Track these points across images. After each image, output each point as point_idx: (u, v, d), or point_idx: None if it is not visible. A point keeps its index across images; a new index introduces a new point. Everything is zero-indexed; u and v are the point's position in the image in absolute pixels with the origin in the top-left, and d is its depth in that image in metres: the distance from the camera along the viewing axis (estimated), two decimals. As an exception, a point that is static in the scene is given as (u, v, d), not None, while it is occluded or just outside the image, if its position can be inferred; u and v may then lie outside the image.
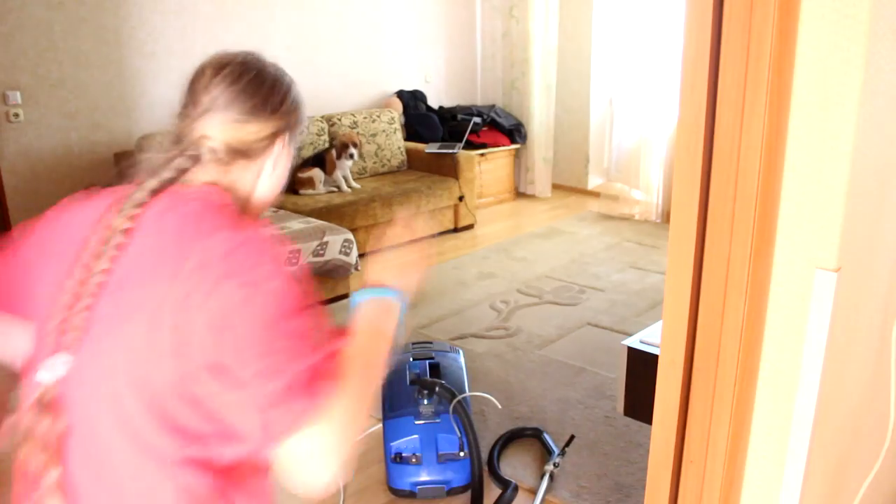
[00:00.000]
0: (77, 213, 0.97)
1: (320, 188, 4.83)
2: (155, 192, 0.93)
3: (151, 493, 0.89)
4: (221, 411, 0.86)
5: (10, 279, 1.00)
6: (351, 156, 4.83)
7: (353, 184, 5.00)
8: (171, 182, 0.94)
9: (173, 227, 0.90)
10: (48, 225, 0.98)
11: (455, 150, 5.38)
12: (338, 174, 4.88)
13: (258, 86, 0.98)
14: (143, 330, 0.86)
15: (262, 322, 0.84)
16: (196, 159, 0.96)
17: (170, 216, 0.91)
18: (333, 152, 4.86)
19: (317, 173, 4.80)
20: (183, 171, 0.95)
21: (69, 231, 0.95)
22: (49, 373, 0.88)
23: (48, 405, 0.88)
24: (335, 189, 4.89)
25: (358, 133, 5.30)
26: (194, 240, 0.87)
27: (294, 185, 4.80)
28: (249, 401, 0.83)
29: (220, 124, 0.96)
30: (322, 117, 5.21)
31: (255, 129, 0.98)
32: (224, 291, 0.84)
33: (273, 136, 1.00)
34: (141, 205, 0.91)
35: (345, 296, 4.10)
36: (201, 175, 0.97)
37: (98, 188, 1.00)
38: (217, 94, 0.96)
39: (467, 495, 2.37)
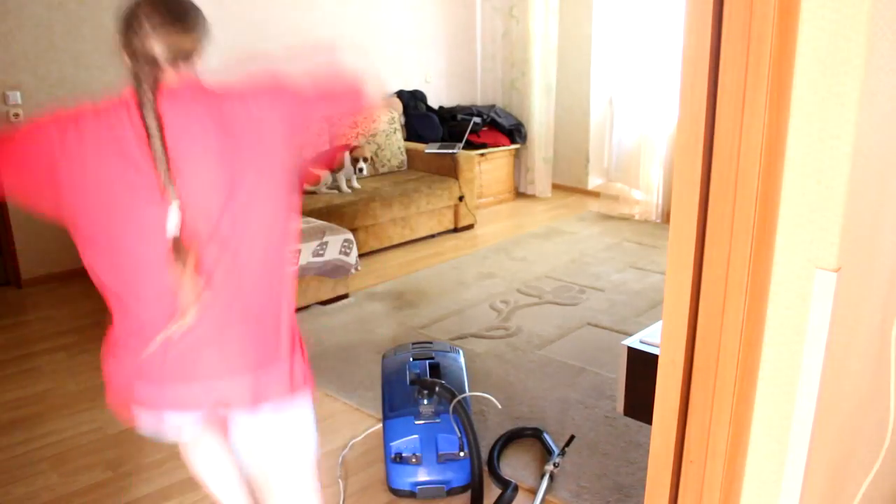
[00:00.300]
0: (98, 128, 1.35)
1: (321, 188, 4.85)
2: (155, 96, 1.33)
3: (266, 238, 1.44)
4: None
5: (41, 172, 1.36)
6: (360, 170, 4.93)
7: (355, 184, 5.00)
8: (158, 85, 1.35)
9: (195, 103, 1.38)
10: (75, 137, 1.35)
11: (455, 150, 5.38)
12: (340, 175, 4.89)
13: (193, 17, 1.42)
14: (217, 158, 1.35)
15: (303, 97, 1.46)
16: (173, 70, 1.39)
17: (184, 101, 1.37)
18: (347, 154, 4.88)
19: (324, 174, 4.86)
20: (159, 80, 1.36)
21: (102, 142, 1.34)
22: (173, 223, 1.31)
23: (181, 242, 1.32)
24: (335, 190, 4.90)
25: (358, 134, 5.30)
26: (220, 101, 1.38)
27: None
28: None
29: (185, 53, 1.40)
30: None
31: (199, 47, 1.44)
32: (269, 107, 1.41)
33: (203, 41, 1.45)
34: (154, 102, 1.32)
35: (345, 296, 4.10)
36: (175, 75, 1.39)
37: (92, 104, 1.40)
38: (170, 34, 1.37)
39: (467, 495, 2.37)
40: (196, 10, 1.44)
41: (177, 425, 1.59)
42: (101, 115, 1.36)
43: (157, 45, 1.35)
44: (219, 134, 1.35)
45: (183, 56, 1.39)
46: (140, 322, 1.41)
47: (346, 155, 4.88)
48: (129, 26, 1.38)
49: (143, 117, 1.31)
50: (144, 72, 1.34)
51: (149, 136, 1.30)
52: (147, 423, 1.55)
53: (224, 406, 1.49)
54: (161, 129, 1.31)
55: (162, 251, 1.32)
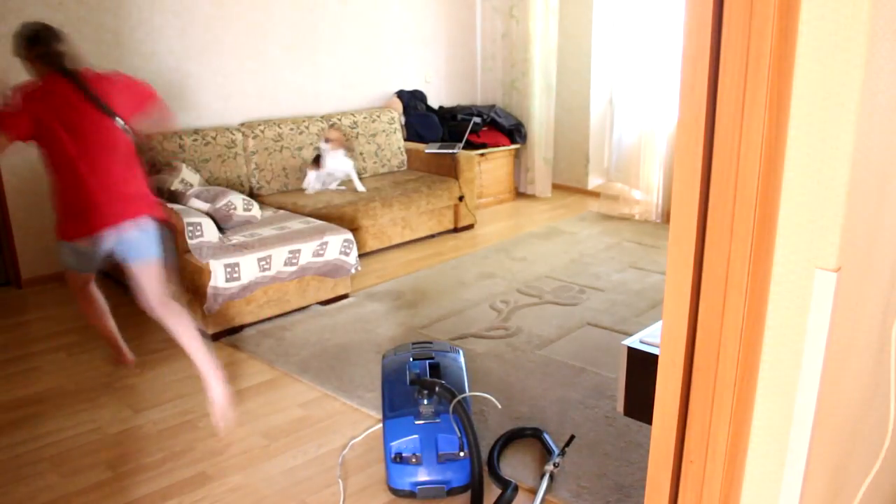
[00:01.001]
0: (46, 94, 2.61)
1: (314, 184, 4.86)
2: (75, 77, 2.65)
3: (116, 142, 2.75)
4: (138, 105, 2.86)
5: (25, 124, 2.60)
6: (317, 147, 4.88)
7: (359, 186, 4.97)
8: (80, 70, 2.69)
9: (99, 84, 2.70)
10: (34, 102, 2.60)
11: (455, 150, 5.38)
12: (322, 173, 4.88)
13: (65, 35, 2.70)
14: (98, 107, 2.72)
15: (135, 84, 2.90)
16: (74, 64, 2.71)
17: (93, 82, 2.67)
18: (325, 151, 4.88)
19: (311, 174, 4.88)
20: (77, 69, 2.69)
21: (48, 102, 2.59)
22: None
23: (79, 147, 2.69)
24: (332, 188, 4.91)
25: (357, 134, 5.30)
26: (110, 83, 2.76)
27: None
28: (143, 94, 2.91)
29: (70, 54, 2.69)
30: (322, 117, 5.21)
31: (72, 51, 2.71)
32: (127, 85, 2.86)
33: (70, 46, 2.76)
34: (79, 81, 2.65)
35: (345, 296, 4.10)
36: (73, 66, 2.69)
37: (30, 83, 2.66)
38: (60, 43, 2.66)
39: (467, 495, 2.37)
40: (62, 32, 2.69)
41: (82, 250, 2.79)
42: (45, 86, 2.62)
43: (57, 53, 2.62)
44: (100, 96, 2.67)
45: (67, 58, 2.64)
46: (65, 180, 2.70)
47: (324, 153, 4.85)
48: (34, 44, 2.62)
49: (78, 85, 2.62)
50: (58, 65, 2.62)
51: (85, 94, 2.61)
52: (67, 251, 2.82)
53: (108, 228, 2.70)
54: (92, 89, 2.64)
55: (77, 147, 2.63)
